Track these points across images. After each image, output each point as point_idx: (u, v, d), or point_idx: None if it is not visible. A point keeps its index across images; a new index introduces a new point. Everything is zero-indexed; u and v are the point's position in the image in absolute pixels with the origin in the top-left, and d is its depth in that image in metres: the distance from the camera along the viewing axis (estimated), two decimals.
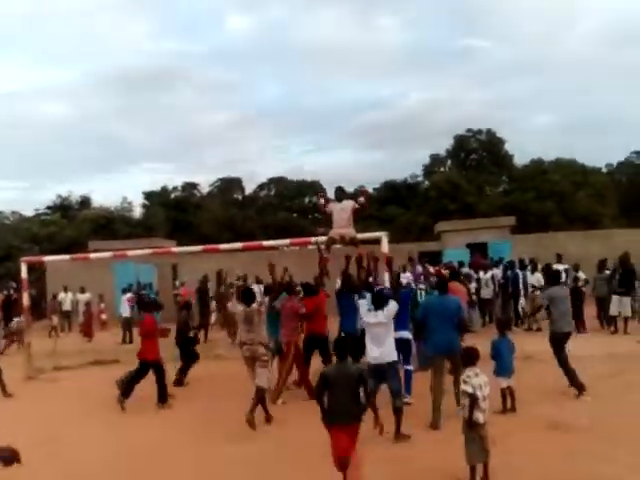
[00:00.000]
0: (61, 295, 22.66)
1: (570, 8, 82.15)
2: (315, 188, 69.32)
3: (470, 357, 6.28)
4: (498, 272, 17.98)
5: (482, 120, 64.11)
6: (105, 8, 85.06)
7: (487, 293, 17.66)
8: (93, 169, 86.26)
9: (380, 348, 7.78)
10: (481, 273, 17.87)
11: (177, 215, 53.82)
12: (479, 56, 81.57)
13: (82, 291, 22.06)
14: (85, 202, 54.24)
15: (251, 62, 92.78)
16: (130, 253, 11.50)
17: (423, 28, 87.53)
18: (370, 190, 11.55)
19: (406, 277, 16.39)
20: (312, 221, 62.91)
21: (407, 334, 9.62)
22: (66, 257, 12.27)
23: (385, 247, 11.16)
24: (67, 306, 22.62)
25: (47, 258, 11.82)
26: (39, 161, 77.73)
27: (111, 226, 38.02)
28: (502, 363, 8.66)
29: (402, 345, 9.05)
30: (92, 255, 12.00)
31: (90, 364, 13.90)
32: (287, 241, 11.44)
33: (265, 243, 11.15)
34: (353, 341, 8.77)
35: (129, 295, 19.10)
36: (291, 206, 64.73)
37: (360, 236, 11.66)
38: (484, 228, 23.65)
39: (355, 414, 5.59)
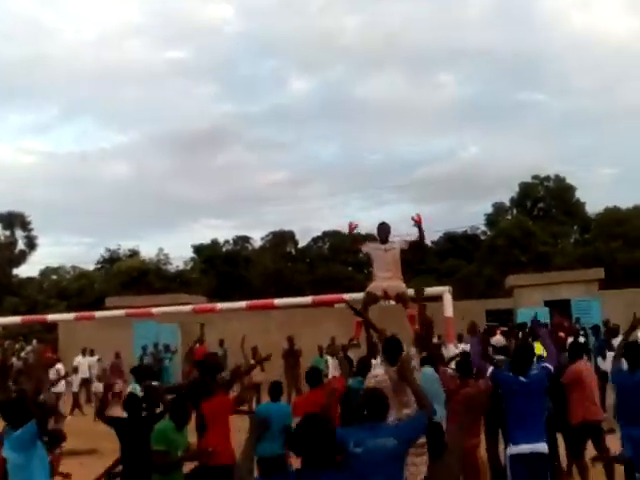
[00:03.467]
0: (77, 359, 18.79)
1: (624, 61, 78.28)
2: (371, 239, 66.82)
3: None
4: (588, 339, 14.30)
5: (542, 173, 61.30)
6: (171, 73, 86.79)
7: None
8: (154, 226, 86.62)
9: None
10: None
11: (227, 269, 51.68)
12: (536, 109, 78.56)
13: (91, 353, 18.54)
14: (133, 256, 52.56)
15: (309, 121, 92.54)
16: (97, 314, 8.67)
17: (479, 83, 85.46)
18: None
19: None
20: (368, 275, 59.79)
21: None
22: (17, 319, 9.67)
23: (449, 306, 7.92)
24: (85, 372, 18.52)
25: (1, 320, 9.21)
26: (103, 218, 78.84)
27: (145, 279, 35.67)
28: None
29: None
30: (49, 317, 9.25)
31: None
32: (309, 299, 8.38)
33: (277, 302, 8.13)
34: None
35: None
36: (346, 259, 62.09)
37: (413, 292, 8.49)
38: (566, 282, 19.96)
39: None
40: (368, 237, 8.71)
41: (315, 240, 64.82)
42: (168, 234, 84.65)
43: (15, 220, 58.23)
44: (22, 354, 20.05)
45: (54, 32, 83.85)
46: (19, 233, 58.61)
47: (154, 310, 8.24)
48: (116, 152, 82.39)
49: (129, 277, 35.31)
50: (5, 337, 24.05)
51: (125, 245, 54.27)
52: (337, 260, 59.31)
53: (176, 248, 51.94)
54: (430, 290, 8.73)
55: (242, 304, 8.23)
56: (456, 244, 50.58)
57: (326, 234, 65.19)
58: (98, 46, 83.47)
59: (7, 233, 58.61)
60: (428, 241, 53.55)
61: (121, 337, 19.98)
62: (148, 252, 53.30)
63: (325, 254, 61.15)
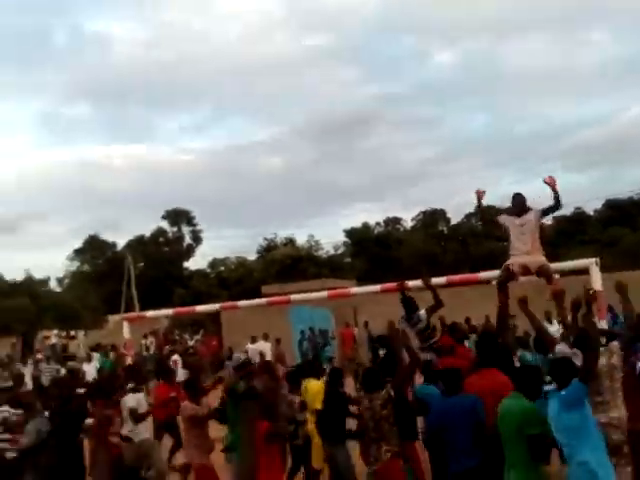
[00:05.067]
0: (248, 347, 18.72)
1: None
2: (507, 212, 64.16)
3: None
4: None
5: None
6: (313, 60, 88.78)
7: None
8: (309, 214, 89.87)
9: None
10: None
11: (379, 251, 52.04)
12: None
13: (253, 340, 18.90)
14: (288, 244, 54.41)
15: (454, 95, 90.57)
16: (240, 303, 9.20)
17: (636, 39, 78.81)
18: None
19: None
20: None
21: None
22: (169, 312, 10.46)
23: (597, 279, 7.50)
24: (255, 359, 18.40)
25: (149, 313, 10.02)
26: (262, 209, 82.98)
27: (299, 266, 36.83)
28: None
29: None
30: (198, 308, 9.91)
31: None
32: (443, 279, 8.35)
33: (411, 283, 8.14)
34: None
35: None
36: (501, 235, 60.11)
37: (557, 266, 8.15)
38: None
39: None
40: (503, 210, 8.37)
41: (468, 217, 63.32)
42: (323, 220, 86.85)
43: (181, 217, 62.43)
44: (191, 342, 21.60)
45: (202, 34, 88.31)
46: (185, 229, 62.97)
47: (292, 297, 8.61)
48: (268, 144, 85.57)
49: (283, 265, 36.71)
50: (175, 327, 26.06)
51: (283, 233, 56.40)
52: (491, 236, 57.74)
53: (330, 233, 53.34)
54: (576, 263, 8.26)
55: (376, 287, 8.35)
56: (619, 211, 47.33)
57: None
58: (242, 42, 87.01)
59: (174, 229, 63.11)
60: (590, 210, 50.72)
61: (278, 323, 20.84)
62: (304, 239, 55.29)
63: (478, 231, 59.60)
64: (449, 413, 5.46)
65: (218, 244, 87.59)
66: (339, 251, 54.00)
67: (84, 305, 37.93)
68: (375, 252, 51.30)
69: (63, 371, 15.10)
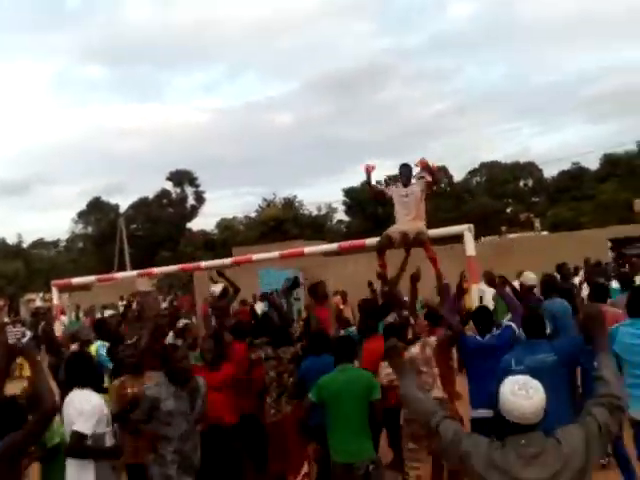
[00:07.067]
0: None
1: None
2: (529, 170, 63.32)
3: None
4: None
5: None
6: (325, 14, 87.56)
7: None
8: (320, 172, 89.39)
9: None
10: None
11: (376, 211, 51.98)
12: None
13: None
14: (288, 203, 54.49)
15: (471, 47, 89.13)
16: (155, 270, 9.64)
17: None
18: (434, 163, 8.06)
19: None
20: (529, 206, 57.41)
21: None
22: (92, 278, 10.81)
23: (470, 245, 7.87)
24: None
25: (75, 280, 10.36)
26: (273, 167, 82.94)
27: (282, 227, 37.16)
28: None
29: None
30: (117, 275, 10.37)
31: None
32: (335, 245, 8.67)
33: (306, 250, 8.53)
34: None
35: None
36: (505, 192, 59.61)
37: (434, 232, 8.53)
38: None
39: None
40: (391, 179, 8.73)
41: (472, 173, 62.47)
42: (332, 179, 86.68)
43: (184, 178, 62.52)
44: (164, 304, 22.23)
45: None
46: (189, 190, 63.07)
47: (203, 264, 9.05)
48: (280, 101, 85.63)
49: (268, 226, 37.09)
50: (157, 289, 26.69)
51: (291, 192, 56.19)
52: (493, 193, 57.23)
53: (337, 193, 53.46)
54: (450, 229, 8.61)
55: (275, 254, 8.75)
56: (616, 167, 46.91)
57: (483, 165, 62.61)
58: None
59: (178, 190, 63.24)
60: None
61: (248, 284, 21.35)
62: (309, 198, 55.60)
63: (477, 188, 59.29)
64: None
65: (228, 204, 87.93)
66: (322, 212, 54.11)
67: (79, 267, 38.76)
68: (372, 211, 51.18)
69: (28, 333, 15.89)
